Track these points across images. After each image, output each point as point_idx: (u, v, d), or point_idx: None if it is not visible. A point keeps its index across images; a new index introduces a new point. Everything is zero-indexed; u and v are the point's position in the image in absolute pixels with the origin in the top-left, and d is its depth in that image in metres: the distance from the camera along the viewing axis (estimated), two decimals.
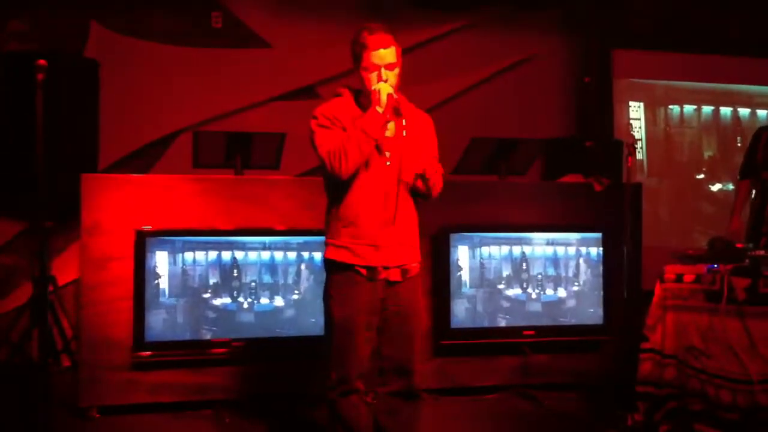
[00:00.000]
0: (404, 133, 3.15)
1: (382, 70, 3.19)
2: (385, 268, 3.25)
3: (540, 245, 5.11)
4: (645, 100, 7.68)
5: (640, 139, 7.57)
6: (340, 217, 3.26)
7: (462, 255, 4.96)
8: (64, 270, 5.59)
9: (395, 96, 3.17)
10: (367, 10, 6.57)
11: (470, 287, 4.98)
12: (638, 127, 7.64)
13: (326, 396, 3.31)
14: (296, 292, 4.71)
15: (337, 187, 3.27)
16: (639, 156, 7.51)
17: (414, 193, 3.34)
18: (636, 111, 7.65)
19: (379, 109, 3.14)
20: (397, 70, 3.23)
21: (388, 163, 3.25)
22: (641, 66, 7.63)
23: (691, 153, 7.84)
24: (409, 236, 3.33)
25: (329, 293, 3.32)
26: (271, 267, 4.69)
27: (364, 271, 3.23)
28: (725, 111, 7.86)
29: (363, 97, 3.30)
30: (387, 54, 3.19)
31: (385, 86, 3.16)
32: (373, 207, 3.23)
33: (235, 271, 4.63)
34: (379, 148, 3.22)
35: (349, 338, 3.24)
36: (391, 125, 3.22)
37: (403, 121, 3.15)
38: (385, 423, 3.35)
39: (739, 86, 7.88)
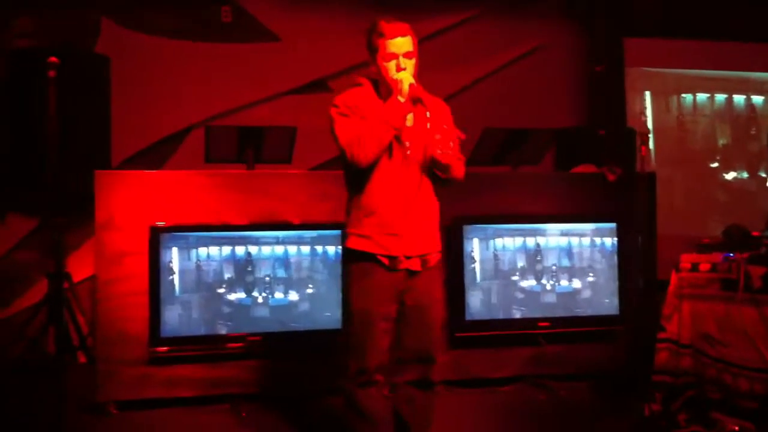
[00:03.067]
0: (428, 126, 3.14)
1: (401, 58, 3.19)
2: (407, 257, 3.25)
3: (554, 236, 5.09)
4: (656, 89, 7.64)
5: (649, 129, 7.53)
6: (361, 207, 3.26)
7: (475, 247, 4.96)
8: (80, 266, 5.60)
9: (416, 85, 3.15)
10: (376, 1, 6.56)
11: (484, 279, 4.97)
12: (646, 116, 7.61)
13: (344, 386, 3.31)
14: (310, 286, 4.71)
15: (357, 177, 3.26)
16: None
17: (435, 178, 3.32)
18: (644, 100, 7.61)
19: (401, 99, 3.14)
20: (414, 60, 3.23)
21: (408, 152, 3.23)
22: (653, 54, 7.58)
23: (704, 141, 7.80)
24: (430, 226, 3.33)
25: (349, 284, 3.32)
26: (285, 261, 4.69)
27: (386, 261, 3.22)
28: (739, 99, 7.81)
29: (382, 87, 3.29)
30: (404, 42, 3.20)
31: (406, 75, 3.16)
32: (395, 196, 3.22)
33: (249, 265, 4.64)
34: (398, 138, 3.22)
35: (367, 330, 3.24)
36: (410, 115, 3.22)
37: (427, 113, 3.14)
38: (404, 412, 3.36)
39: (753, 73, 7.82)
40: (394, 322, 3.29)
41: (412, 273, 3.28)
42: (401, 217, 3.23)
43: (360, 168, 3.18)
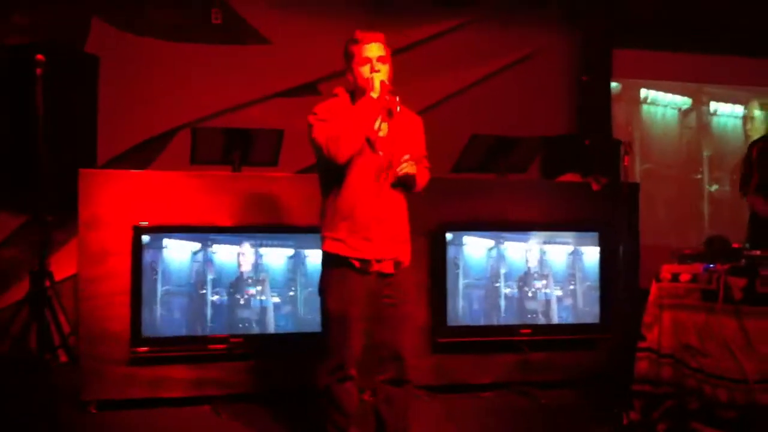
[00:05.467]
0: (398, 109, 3.28)
1: (374, 62, 3.38)
2: (378, 261, 3.41)
3: (537, 243, 5.10)
4: (642, 99, 7.69)
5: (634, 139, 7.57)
6: (337, 210, 3.41)
7: (458, 253, 4.97)
8: (65, 264, 5.58)
9: (387, 83, 3.33)
10: (368, 6, 6.55)
11: (467, 285, 4.98)
12: (632, 127, 7.66)
13: (322, 381, 3.46)
14: (293, 288, 4.72)
15: (333, 181, 3.42)
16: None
17: (402, 185, 3.47)
18: (630, 110, 7.67)
19: (374, 95, 3.31)
20: (387, 66, 3.41)
21: (380, 154, 3.38)
22: (640, 65, 7.63)
23: (689, 152, 7.84)
24: (401, 230, 3.50)
25: (324, 287, 3.49)
26: (268, 263, 4.69)
27: (357, 264, 3.38)
28: (723, 110, 7.87)
29: (357, 97, 3.43)
30: (378, 48, 3.40)
31: (378, 74, 3.35)
32: (367, 202, 3.38)
33: (232, 267, 4.63)
34: (372, 146, 3.37)
35: (344, 330, 3.41)
36: (384, 126, 3.36)
37: (398, 108, 3.29)
38: (383, 411, 3.53)
39: (738, 86, 7.88)
40: (369, 322, 3.46)
41: (384, 275, 3.44)
42: (374, 222, 3.39)
43: (337, 163, 3.32)
